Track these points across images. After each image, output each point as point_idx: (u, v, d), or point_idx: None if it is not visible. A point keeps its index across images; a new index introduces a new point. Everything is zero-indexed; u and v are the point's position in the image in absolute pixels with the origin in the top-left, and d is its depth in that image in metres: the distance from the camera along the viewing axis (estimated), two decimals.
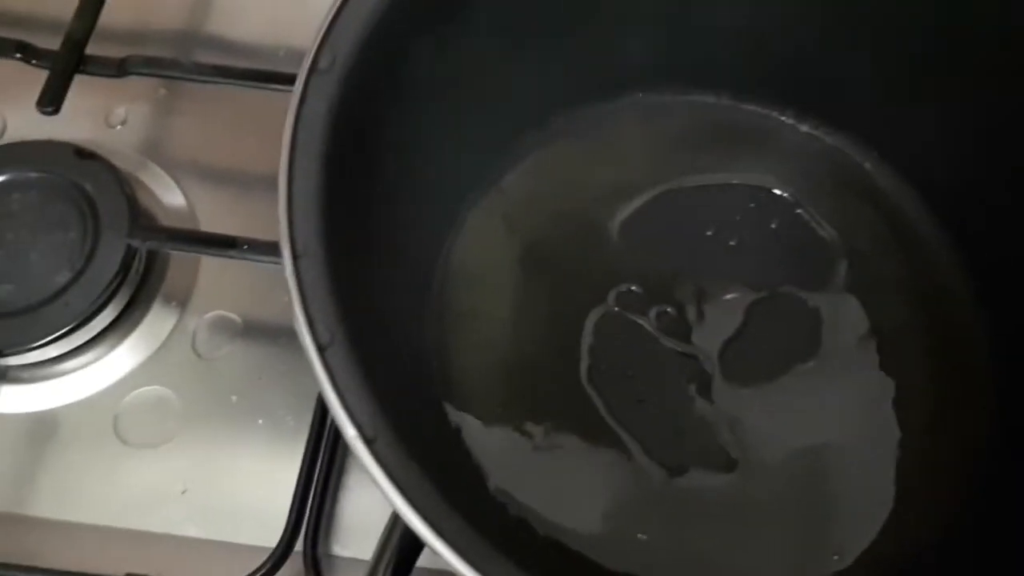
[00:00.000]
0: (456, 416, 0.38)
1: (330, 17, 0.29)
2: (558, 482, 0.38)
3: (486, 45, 0.35)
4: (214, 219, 0.47)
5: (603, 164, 0.43)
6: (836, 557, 0.37)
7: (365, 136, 0.30)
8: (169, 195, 0.47)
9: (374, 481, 0.24)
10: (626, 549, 0.37)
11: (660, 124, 0.44)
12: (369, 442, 0.24)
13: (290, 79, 0.44)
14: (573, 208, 0.43)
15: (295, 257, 0.26)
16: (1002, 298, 0.40)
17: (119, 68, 0.44)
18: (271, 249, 0.42)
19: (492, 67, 0.36)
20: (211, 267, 0.46)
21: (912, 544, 0.37)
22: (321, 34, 0.29)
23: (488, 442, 0.38)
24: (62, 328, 0.42)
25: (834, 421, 0.40)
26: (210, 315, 0.45)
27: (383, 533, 0.27)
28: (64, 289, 0.42)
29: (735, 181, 0.43)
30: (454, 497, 0.30)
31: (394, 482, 0.23)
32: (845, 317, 0.42)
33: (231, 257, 0.42)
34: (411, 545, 0.27)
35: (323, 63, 0.29)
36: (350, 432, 0.24)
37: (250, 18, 0.53)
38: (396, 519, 0.26)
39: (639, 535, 0.37)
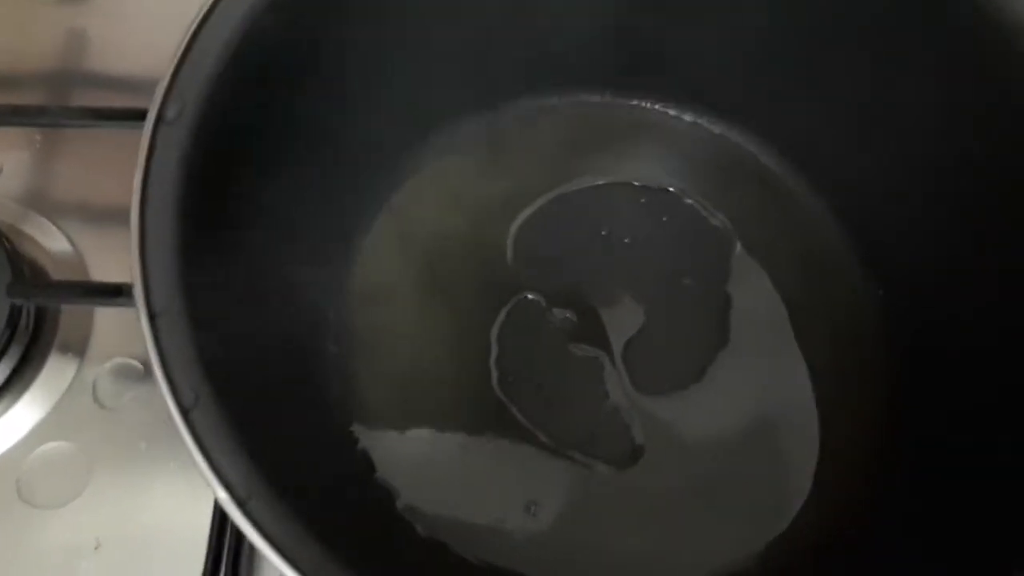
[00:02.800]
0: (365, 438, 0.38)
1: (175, 64, 0.28)
2: (472, 494, 0.38)
3: (350, 74, 0.34)
4: (104, 264, 0.45)
5: (490, 175, 0.43)
6: (752, 541, 0.38)
7: (223, 183, 0.29)
8: (55, 243, 0.46)
9: (251, 541, 0.23)
10: (542, 553, 0.37)
11: (544, 128, 0.44)
12: (241, 503, 0.23)
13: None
14: (466, 222, 0.42)
15: (151, 317, 0.25)
16: (891, 270, 0.41)
17: None
18: None
19: (360, 94, 0.36)
20: (107, 314, 0.45)
21: (830, 524, 0.38)
22: (166, 83, 0.28)
23: (399, 461, 0.38)
24: None
25: (749, 406, 0.40)
26: (110, 363, 0.44)
27: None
28: None
29: (624, 179, 0.44)
30: (359, 527, 0.30)
31: (270, 541, 0.23)
32: (753, 300, 0.42)
33: (121, 305, 0.41)
34: None
35: (170, 113, 0.28)
36: (220, 494, 0.23)
37: (128, 52, 0.51)
38: None
39: (560, 537, 0.38)
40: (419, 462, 0.38)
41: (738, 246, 0.43)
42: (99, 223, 0.47)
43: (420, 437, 0.39)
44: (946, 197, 0.38)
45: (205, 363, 0.25)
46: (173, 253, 0.27)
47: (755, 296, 0.42)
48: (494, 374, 0.40)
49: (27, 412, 0.43)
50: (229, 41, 0.29)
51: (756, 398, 0.40)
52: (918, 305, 0.39)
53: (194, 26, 0.29)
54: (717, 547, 0.38)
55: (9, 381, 0.42)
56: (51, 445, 0.42)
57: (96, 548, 0.41)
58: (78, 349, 0.44)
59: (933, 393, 0.38)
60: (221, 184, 0.29)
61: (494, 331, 0.41)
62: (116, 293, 0.40)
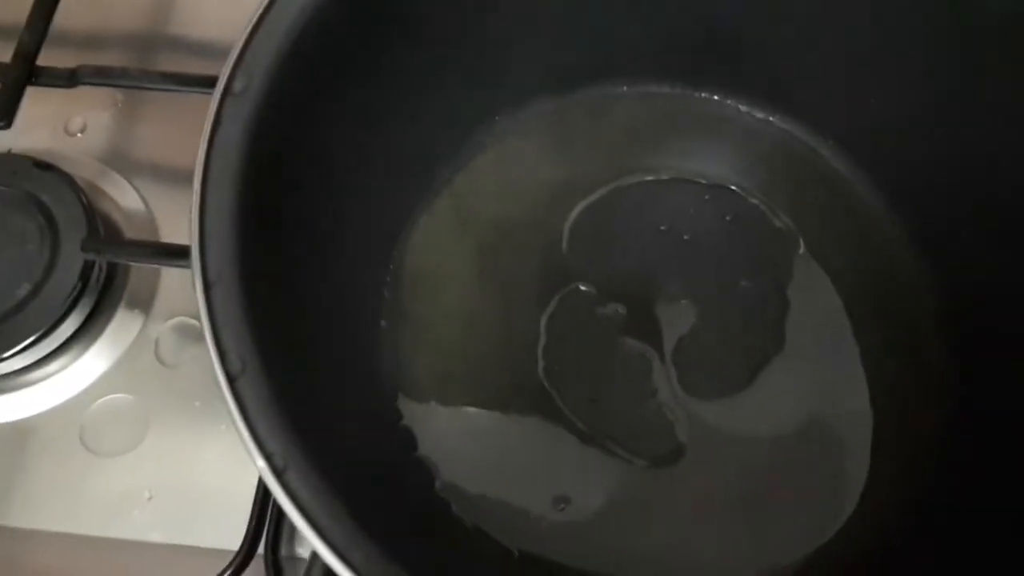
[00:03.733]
0: (409, 416, 0.39)
1: (244, 38, 0.29)
2: (511, 479, 0.38)
3: (416, 57, 0.35)
4: (175, 225, 0.47)
5: (553, 162, 0.43)
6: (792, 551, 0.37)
7: (285, 157, 0.30)
8: (130, 202, 0.48)
9: (285, 512, 0.24)
10: (575, 543, 0.37)
11: (610, 118, 0.43)
12: (279, 473, 0.24)
13: None
14: (524, 208, 0.42)
15: (207, 287, 0.26)
16: (955, 277, 0.40)
17: (70, 79, 0.44)
18: None
19: (424, 77, 0.36)
20: (173, 274, 0.46)
21: (877, 537, 0.37)
22: (235, 56, 0.29)
23: (440, 441, 0.39)
24: (23, 341, 0.42)
25: (801, 413, 0.39)
26: (172, 321, 0.46)
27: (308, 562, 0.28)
28: (24, 302, 0.43)
29: (688, 175, 0.43)
30: (396, 504, 0.30)
31: (303, 513, 0.23)
32: (812, 304, 0.41)
33: (186, 267, 0.42)
34: None
35: (238, 86, 0.28)
36: (259, 463, 0.24)
37: (210, 20, 0.53)
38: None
39: (594, 529, 0.38)
40: (460, 443, 0.38)
41: (801, 248, 0.42)
42: (172, 185, 0.48)
43: (463, 419, 0.39)
44: (1011, 200, 0.36)
45: (255, 333, 0.26)
46: (231, 223, 0.27)
47: (815, 301, 0.41)
48: (540, 362, 0.40)
49: (93, 363, 0.45)
50: (298, 18, 0.29)
51: (809, 405, 0.39)
52: (980, 312, 0.38)
53: (266, 1, 0.29)
54: (754, 554, 0.37)
55: (79, 332, 0.44)
56: (113, 397, 0.44)
57: (149, 498, 0.42)
58: (144, 306, 0.46)
59: (993, 403, 0.36)
60: (282, 158, 0.30)
61: (544, 319, 0.41)
62: (182, 255, 0.42)
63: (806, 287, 0.41)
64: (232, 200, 0.27)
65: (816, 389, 0.40)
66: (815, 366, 0.40)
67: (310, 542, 0.24)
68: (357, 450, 0.31)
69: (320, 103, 0.31)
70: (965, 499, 0.36)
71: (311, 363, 0.29)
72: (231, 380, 0.25)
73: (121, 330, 0.45)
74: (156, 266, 0.45)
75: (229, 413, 0.25)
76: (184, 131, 0.49)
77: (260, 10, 0.29)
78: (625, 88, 0.44)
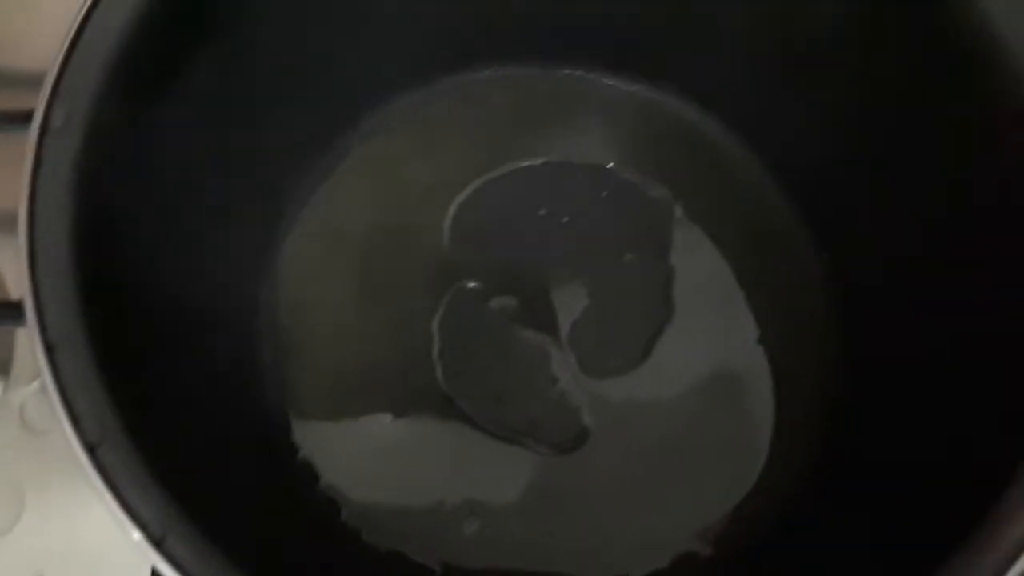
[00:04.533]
0: (306, 446, 0.37)
1: (57, 68, 0.26)
2: (424, 494, 0.37)
3: (251, 72, 0.32)
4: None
5: (423, 159, 0.41)
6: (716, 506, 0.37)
7: (123, 194, 0.27)
8: None
9: None
10: (497, 547, 0.36)
11: (476, 106, 0.42)
12: (158, 543, 0.22)
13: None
14: (398, 210, 0.41)
15: (48, 349, 0.23)
16: (834, 232, 0.41)
17: None
18: None
19: (274, 83, 0.34)
20: (27, 332, 0.42)
21: (794, 482, 0.38)
22: (49, 88, 0.26)
23: (343, 467, 0.37)
24: None
25: (700, 375, 0.39)
26: (37, 383, 0.42)
27: None
28: None
29: (559, 156, 0.42)
30: (303, 543, 0.28)
31: None
32: (696, 267, 0.41)
33: (23, 325, 0.38)
34: None
35: (57, 120, 0.26)
36: (135, 536, 0.22)
37: (19, 49, 0.48)
38: None
39: (514, 530, 0.37)
40: (364, 466, 0.37)
41: (678, 213, 0.42)
42: (7, 231, 0.44)
43: (365, 440, 0.38)
44: (883, 146, 0.37)
45: (112, 394, 0.24)
46: (71, 276, 0.25)
47: (699, 265, 0.41)
48: (438, 369, 0.39)
49: None
50: (115, 41, 0.27)
51: (707, 366, 0.40)
52: (862, 266, 0.39)
53: (79, 19, 0.27)
54: (679, 520, 0.37)
55: None
56: None
57: None
58: (1, 371, 0.42)
59: (874, 351, 0.37)
60: (116, 196, 0.27)
61: (435, 324, 0.40)
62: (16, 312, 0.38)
63: (688, 252, 0.41)
64: (67, 249, 0.25)
65: (711, 348, 0.40)
66: (708, 326, 0.40)
67: None
68: (251, 497, 0.29)
69: (151, 133, 0.28)
70: (865, 445, 0.37)
71: (184, 416, 0.27)
72: (92, 449, 0.22)
73: None
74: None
75: (95, 488, 0.23)
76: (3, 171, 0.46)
77: (71, 36, 0.27)
78: (489, 72, 0.42)
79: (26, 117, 0.38)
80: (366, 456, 0.37)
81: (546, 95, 0.43)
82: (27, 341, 0.42)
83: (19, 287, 0.42)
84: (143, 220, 0.28)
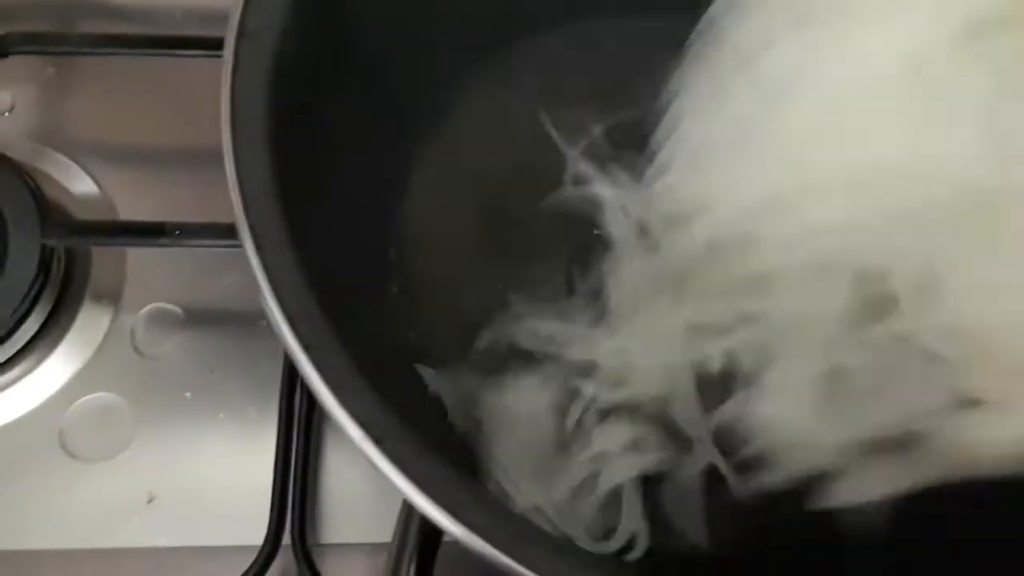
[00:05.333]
0: (435, 383, 0.37)
1: None
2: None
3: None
4: (132, 204, 0.43)
5: (544, 104, 0.41)
6: None
7: (307, 104, 0.27)
8: (78, 183, 0.43)
9: (392, 481, 0.22)
10: None
11: (593, 53, 0.42)
12: (379, 441, 0.22)
13: (193, 43, 0.41)
14: (519, 153, 0.40)
15: (259, 250, 0.23)
16: None
17: None
18: (205, 232, 0.38)
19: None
20: (139, 257, 0.42)
21: None
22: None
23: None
24: None
25: None
26: (147, 309, 0.42)
27: (398, 524, 0.26)
28: None
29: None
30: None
31: (413, 480, 0.22)
32: None
33: (162, 246, 0.38)
34: (433, 533, 0.26)
35: (251, 25, 0.25)
36: (356, 434, 0.22)
37: None
38: (410, 508, 0.24)
39: None
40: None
41: None
42: (124, 161, 0.44)
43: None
44: None
45: (315, 298, 0.24)
46: (269, 180, 0.24)
47: None
48: None
49: (64, 362, 0.40)
50: None
51: None
52: None
53: None
54: None
55: (43, 330, 0.40)
56: (92, 396, 0.40)
57: (149, 502, 0.39)
58: (112, 296, 0.42)
59: None
60: (304, 107, 0.27)
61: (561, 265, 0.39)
62: (158, 232, 0.38)
63: None
64: (265, 154, 0.25)
65: None
66: None
67: (424, 510, 0.22)
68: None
69: (338, 40, 0.28)
70: None
71: (358, 323, 0.27)
72: (307, 350, 0.22)
73: (91, 323, 0.41)
74: (124, 249, 0.41)
75: (312, 387, 0.22)
76: (125, 101, 0.45)
77: None
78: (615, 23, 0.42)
79: (162, 42, 0.39)
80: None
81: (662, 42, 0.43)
82: (137, 267, 0.42)
83: (130, 213, 0.42)
84: (327, 125, 0.28)
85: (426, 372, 0.36)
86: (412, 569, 0.24)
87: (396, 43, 0.35)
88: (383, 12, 0.33)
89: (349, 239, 0.33)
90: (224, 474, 0.39)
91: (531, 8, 0.41)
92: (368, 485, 0.38)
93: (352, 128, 0.32)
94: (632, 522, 0.32)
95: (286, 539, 0.37)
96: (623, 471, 0.34)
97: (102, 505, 0.39)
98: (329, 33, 0.29)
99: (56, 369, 0.40)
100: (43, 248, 0.39)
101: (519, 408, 0.36)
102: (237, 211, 0.23)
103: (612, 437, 0.35)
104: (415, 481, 0.21)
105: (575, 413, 0.35)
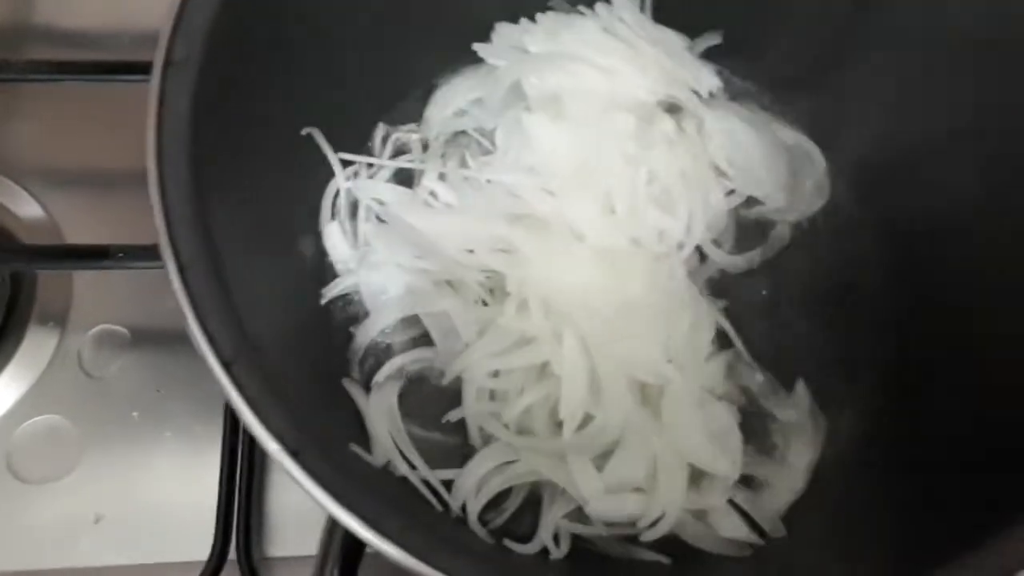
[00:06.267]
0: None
1: (179, 2, 0.27)
2: None
3: None
4: (78, 227, 0.43)
5: None
6: None
7: (237, 127, 0.28)
8: (24, 207, 0.44)
9: (308, 493, 0.23)
10: None
11: None
12: (295, 454, 0.22)
13: (139, 68, 0.42)
14: None
15: (182, 270, 0.24)
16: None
17: None
18: (149, 254, 0.38)
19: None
20: (85, 279, 0.43)
21: None
22: (172, 22, 0.26)
23: None
24: None
25: None
26: (94, 331, 0.42)
27: (323, 534, 0.26)
28: None
29: None
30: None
31: (328, 491, 0.22)
32: None
33: (107, 268, 0.39)
34: (355, 544, 0.26)
35: (178, 54, 0.26)
36: (272, 447, 0.22)
37: (85, 5, 0.48)
38: (333, 520, 0.25)
39: None
40: None
41: None
42: (70, 185, 0.44)
43: None
44: None
45: (236, 314, 0.24)
46: (193, 202, 0.25)
47: None
48: None
49: (11, 385, 0.41)
50: None
51: None
52: None
53: None
54: None
55: None
56: (39, 418, 0.41)
57: (96, 522, 0.39)
58: (59, 318, 0.42)
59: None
60: (231, 128, 0.28)
61: None
62: (103, 255, 0.39)
63: None
64: (190, 176, 0.26)
65: None
66: None
67: (341, 520, 0.22)
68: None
69: (268, 62, 0.29)
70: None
71: (288, 344, 0.28)
72: (227, 366, 0.23)
73: (37, 346, 0.42)
74: (70, 271, 0.42)
75: (231, 403, 0.23)
76: (71, 125, 0.46)
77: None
78: None
79: (103, 68, 0.40)
80: None
81: None
82: (84, 290, 0.43)
83: (76, 236, 0.43)
84: (257, 146, 0.28)
85: (352, 387, 0.37)
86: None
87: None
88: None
89: (274, 259, 0.33)
90: (171, 491, 0.40)
91: None
92: (310, 501, 0.39)
93: (275, 151, 0.33)
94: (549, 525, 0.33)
95: (232, 554, 0.38)
96: None
97: (49, 527, 0.39)
98: (255, 59, 0.30)
99: (2, 392, 0.41)
100: None
101: None
102: (161, 235, 0.24)
103: None
104: (330, 492, 0.22)
105: None
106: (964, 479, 0.31)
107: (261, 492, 0.40)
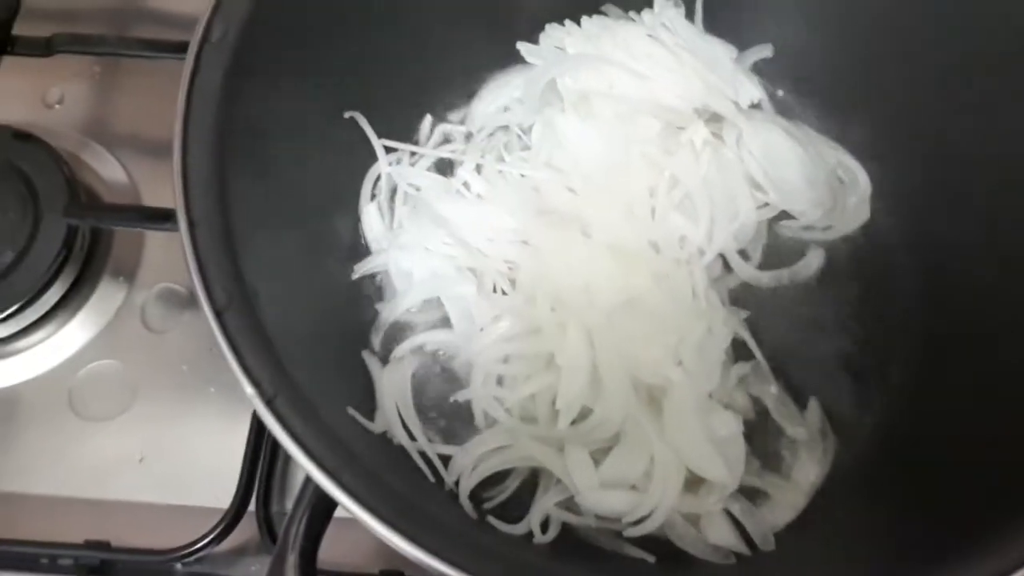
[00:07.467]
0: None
1: None
2: None
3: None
4: (156, 193, 0.47)
5: None
6: None
7: (261, 105, 0.30)
8: (110, 172, 0.48)
9: (276, 437, 0.24)
10: None
11: None
12: (268, 400, 0.24)
13: None
14: None
15: (191, 225, 0.26)
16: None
17: (46, 47, 0.45)
18: None
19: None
20: (157, 241, 0.47)
21: None
22: (213, 4, 0.29)
23: None
24: (8, 308, 0.42)
25: None
26: (158, 288, 0.46)
27: (302, 484, 0.28)
28: (8, 270, 0.43)
29: None
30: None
31: (295, 438, 0.24)
32: None
33: (171, 230, 0.42)
34: (324, 498, 0.28)
35: (215, 34, 0.29)
36: (248, 390, 0.24)
37: None
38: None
39: None
40: None
41: None
42: (151, 154, 0.48)
43: None
44: None
45: (237, 270, 0.27)
46: (213, 166, 0.28)
47: None
48: None
49: (79, 331, 0.45)
50: None
51: None
52: None
53: None
54: None
55: (64, 300, 0.45)
56: (101, 363, 0.44)
57: (140, 460, 0.43)
58: (129, 274, 0.46)
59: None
60: (255, 105, 0.30)
61: None
62: (166, 218, 0.42)
63: None
64: (212, 144, 0.28)
65: None
66: None
67: (303, 467, 0.24)
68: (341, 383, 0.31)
69: (299, 52, 0.32)
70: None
71: (291, 296, 0.30)
72: (218, 314, 0.25)
73: (106, 297, 0.46)
74: (139, 230, 0.45)
75: (218, 346, 0.25)
76: (161, 101, 0.49)
77: None
78: None
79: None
80: None
81: None
82: (154, 250, 0.47)
83: (153, 201, 0.47)
84: (279, 124, 0.31)
85: (370, 358, 0.39)
86: (301, 527, 0.26)
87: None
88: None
89: (298, 231, 0.36)
90: (207, 442, 0.43)
91: None
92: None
93: (314, 129, 0.35)
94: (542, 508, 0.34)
95: (252, 506, 0.41)
96: None
97: (99, 461, 0.43)
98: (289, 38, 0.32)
99: (71, 337, 0.45)
100: (68, 226, 0.43)
101: None
102: (176, 191, 0.27)
103: None
104: (294, 437, 0.24)
105: None
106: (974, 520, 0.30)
107: (285, 454, 0.42)
